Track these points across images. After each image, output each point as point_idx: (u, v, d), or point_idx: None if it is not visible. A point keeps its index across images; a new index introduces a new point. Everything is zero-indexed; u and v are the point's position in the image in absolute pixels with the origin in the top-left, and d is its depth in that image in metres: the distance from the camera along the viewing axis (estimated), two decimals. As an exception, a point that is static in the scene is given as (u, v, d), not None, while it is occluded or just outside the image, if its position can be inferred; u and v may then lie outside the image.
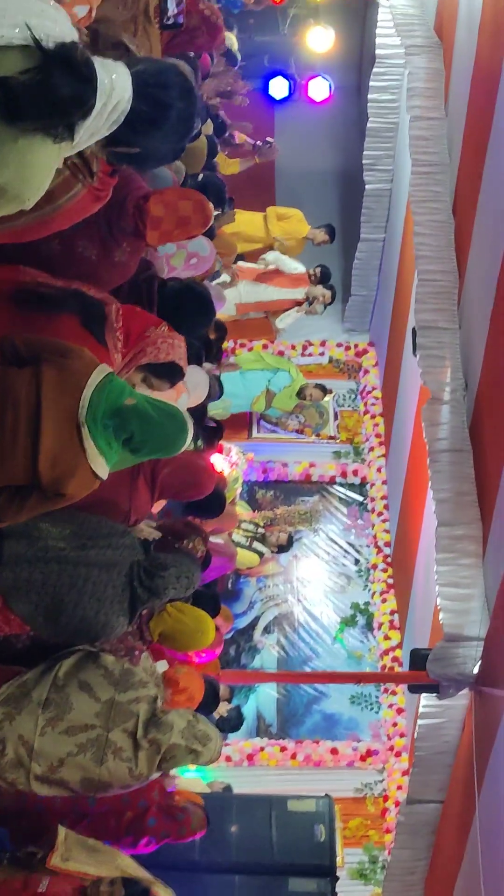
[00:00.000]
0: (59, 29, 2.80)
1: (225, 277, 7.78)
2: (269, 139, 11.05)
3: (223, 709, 8.96)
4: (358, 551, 12.39)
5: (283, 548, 11.51)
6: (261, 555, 11.50)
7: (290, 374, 12.23)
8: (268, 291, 11.72)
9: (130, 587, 4.35)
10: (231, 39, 9.14)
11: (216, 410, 8.63)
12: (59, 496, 3.51)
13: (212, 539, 7.83)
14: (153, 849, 5.19)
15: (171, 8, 4.79)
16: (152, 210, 4.38)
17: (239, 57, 9.47)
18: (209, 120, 7.98)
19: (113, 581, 4.29)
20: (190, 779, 7.74)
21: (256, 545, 11.61)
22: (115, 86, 2.91)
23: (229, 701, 9.83)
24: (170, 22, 4.78)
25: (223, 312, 9.56)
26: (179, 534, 5.93)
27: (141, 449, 3.64)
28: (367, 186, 12.67)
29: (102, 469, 3.54)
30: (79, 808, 4.76)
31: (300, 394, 12.29)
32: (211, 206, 4.96)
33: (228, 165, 10.38)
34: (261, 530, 11.51)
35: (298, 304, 12.14)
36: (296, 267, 11.85)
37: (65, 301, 3.90)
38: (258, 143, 10.98)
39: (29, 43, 2.66)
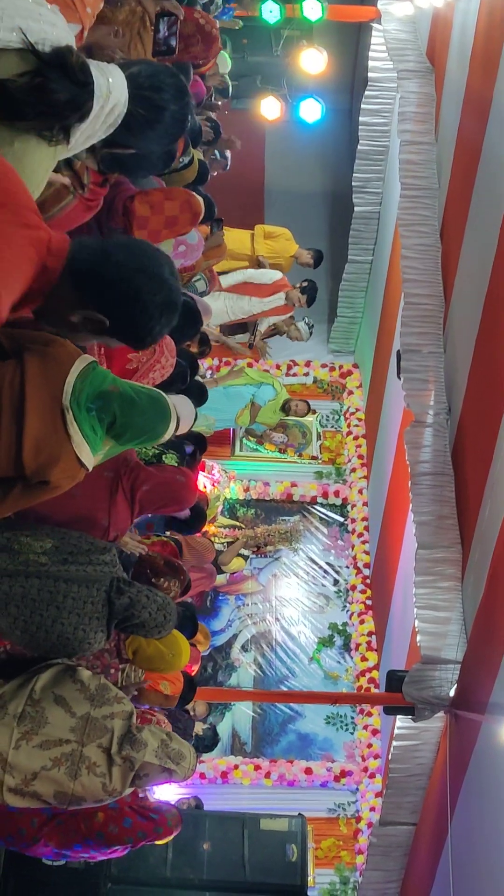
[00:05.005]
0: (57, 33, 2.85)
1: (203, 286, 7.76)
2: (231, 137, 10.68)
3: (199, 728, 8.95)
4: (337, 572, 12.40)
5: (260, 547, 11.80)
6: (245, 557, 11.67)
7: (273, 388, 12.25)
8: (252, 303, 11.74)
9: (109, 602, 4.35)
10: (225, 58, 9.14)
11: (200, 427, 8.60)
12: (44, 484, 3.48)
13: (192, 543, 7.88)
14: (124, 852, 5.18)
15: (163, 30, 4.83)
16: (137, 210, 4.40)
17: (231, 88, 9.46)
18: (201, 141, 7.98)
19: (93, 597, 4.28)
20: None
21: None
22: (111, 89, 2.96)
23: (205, 720, 9.83)
24: (163, 48, 4.83)
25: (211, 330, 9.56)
26: (158, 570, 5.83)
27: (123, 434, 3.59)
28: (356, 208, 12.73)
29: (87, 457, 3.50)
30: (50, 808, 4.75)
31: (284, 408, 12.31)
32: (199, 200, 4.97)
33: None
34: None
35: (286, 312, 12.17)
36: (271, 276, 11.86)
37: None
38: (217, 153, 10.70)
39: (26, 46, 2.70)
